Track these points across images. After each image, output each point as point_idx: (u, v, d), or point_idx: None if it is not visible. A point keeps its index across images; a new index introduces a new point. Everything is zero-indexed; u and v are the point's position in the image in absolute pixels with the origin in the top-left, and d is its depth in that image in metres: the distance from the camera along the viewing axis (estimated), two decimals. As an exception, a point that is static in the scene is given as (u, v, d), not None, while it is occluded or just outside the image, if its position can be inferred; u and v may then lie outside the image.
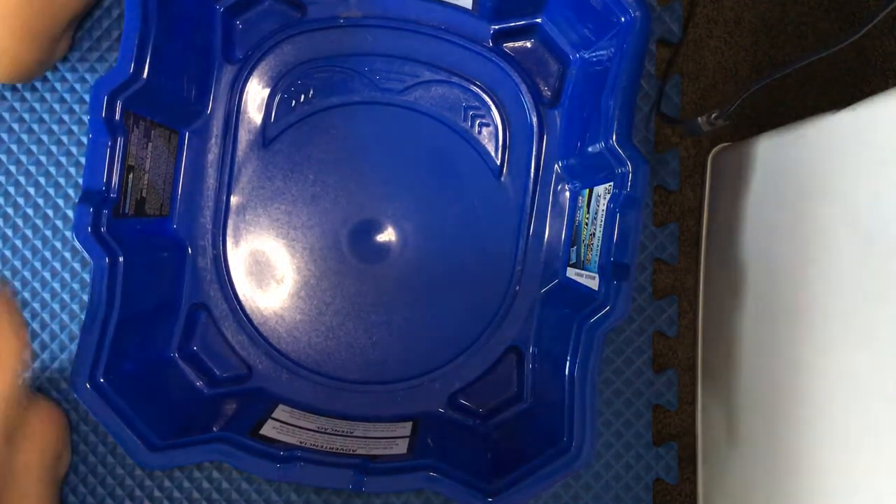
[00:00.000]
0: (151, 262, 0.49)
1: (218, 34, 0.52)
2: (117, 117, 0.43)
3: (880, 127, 0.35)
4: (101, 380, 0.44)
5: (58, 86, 0.54)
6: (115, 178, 0.44)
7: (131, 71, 0.43)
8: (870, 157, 0.36)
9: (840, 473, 0.38)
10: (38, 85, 0.54)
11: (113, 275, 0.44)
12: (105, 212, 0.44)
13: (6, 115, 0.54)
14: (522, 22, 0.51)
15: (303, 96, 0.52)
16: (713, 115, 0.45)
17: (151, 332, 0.50)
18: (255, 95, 0.52)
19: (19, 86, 0.54)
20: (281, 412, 0.50)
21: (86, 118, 0.54)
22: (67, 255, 0.55)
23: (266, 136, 0.52)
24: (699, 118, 0.46)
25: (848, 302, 0.37)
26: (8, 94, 0.54)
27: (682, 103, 0.56)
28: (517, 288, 0.53)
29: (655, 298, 0.56)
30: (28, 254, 0.54)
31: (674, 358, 0.57)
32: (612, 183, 0.45)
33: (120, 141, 0.44)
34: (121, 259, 0.45)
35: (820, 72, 0.57)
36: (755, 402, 0.48)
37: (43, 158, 0.54)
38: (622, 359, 0.55)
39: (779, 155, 0.46)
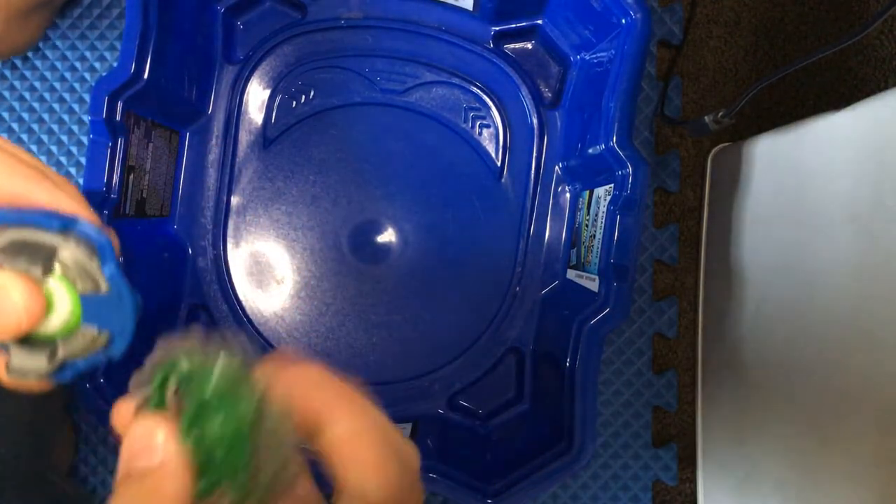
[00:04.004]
0: (152, 262, 0.49)
1: (219, 35, 0.52)
2: (118, 118, 0.43)
3: (880, 127, 0.35)
4: (102, 380, 0.44)
5: (56, 85, 0.54)
6: (115, 179, 0.44)
7: (132, 71, 0.43)
8: (870, 156, 0.36)
9: (841, 470, 0.38)
10: (38, 85, 0.54)
11: (113, 275, 0.44)
12: (105, 212, 0.44)
13: (5, 115, 0.54)
14: (523, 23, 0.51)
15: (303, 97, 0.52)
16: (720, 114, 0.46)
17: (151, 333, 0.50)
18: (256, 96, 0.52)
19: (18, 85, 0.54)
20: (281, 413, 0.50)
21: (86, 118, 0.54)
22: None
23: (267, 137, 0.52)
24: (706, 117, 0.46)
25: (848, 302, 0.37)
26: (7, 94, 0.54)
27: (683, 103, 0.56)
28: (517, 289, 0.53)
29: (655, 300, 0.56)
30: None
31: (674, 359, 0.57)
32: (612, 185, 0.45)
33: (120, 141, 0.44)
34: (121, 260, 0.45)
35: (820, 72, 0.57)
36: (756, 402, 0.48)
37: (43, 159, 0.54)
38: (622, 360, 0.55)
39: (779, 154, 0.46)
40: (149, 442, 0.19)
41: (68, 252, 0.20)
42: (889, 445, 0.34)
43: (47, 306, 0.19)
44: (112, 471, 0.55)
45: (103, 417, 0.43)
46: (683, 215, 0.57)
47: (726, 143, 0.55)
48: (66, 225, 0.19)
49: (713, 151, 0.56)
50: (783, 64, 0.56)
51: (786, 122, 0.45)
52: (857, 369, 0.36)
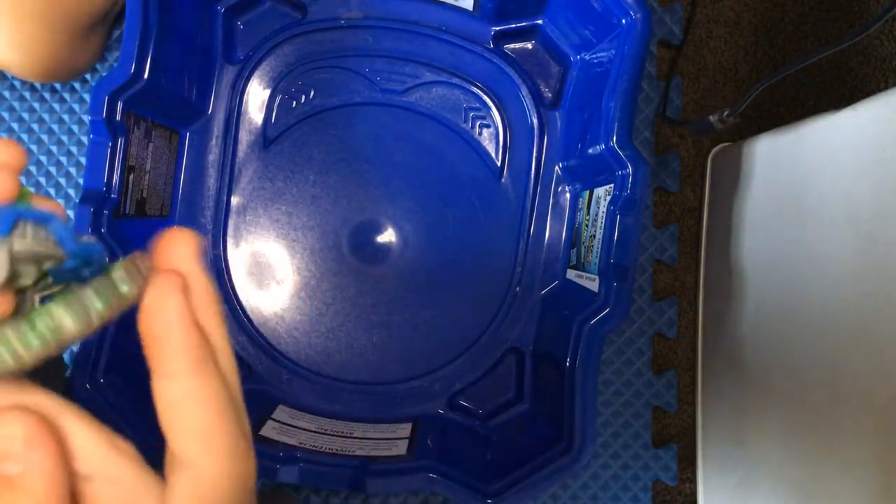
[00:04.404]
0: (152, 262, 0.49)
1: (219, 35, 0.52)
2: (118, 118, 0.43)
3: (880, 126, 0.35)
4: (101, 380, 0.44)
5: (57, 85, 0.54)
6: (115, 179, 0.44)
7: (132, 71, 0.43)
8: (870, 156, 0.36)
9: (841, 470, 0.38)
10: (38, 84, 0.54)
11: (113, 275, 0.44)
12: (105, 212, 0.44)
13: (6, 115, 0.54)
14: (523, 23, 0.51)
15: (303, 97, 0.52)
16: (725, 113, 0.46)
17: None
18: (256, 96, 0.52)
19: (17, 85, 0.54)
20: (281, 413, 0.50)
21: (86, 118, 0.54)
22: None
23: (267, 137, 0.52)
24: (711, 116, 0.46)
25: (848, 301, 0.37)
26: (7, 94, 0.54)
27: (683, 104, 0.56)
28: (517, 289, 0.53)
29: (655, 300, 0.56)
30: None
31: (674, 358, 0.57)
32: (612, 185, 0.45)
33: (120, 141, 0.44)
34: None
35: (820, 72, 0.57)
36: (756, 402, 0.47)
37: (43, 159, 0.54)
38: (622, 360, 0.55)
39: (779, 154, 0.46)
40: (10, 445, 0.18)
41: (22, 245, 0.19)
42: (889, 445, 0.34)
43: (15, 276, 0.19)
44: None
45: (104, 417, 0.43)
46: (683, 215, 0.57)
47: (726, 143, 0.55)
48: (11, 221, 0.18)
49: (713, 151, 0.56)
50: (783, 64, 0.56)
51: (786, 122, 0.45)
52: (857, 369, 0.36)
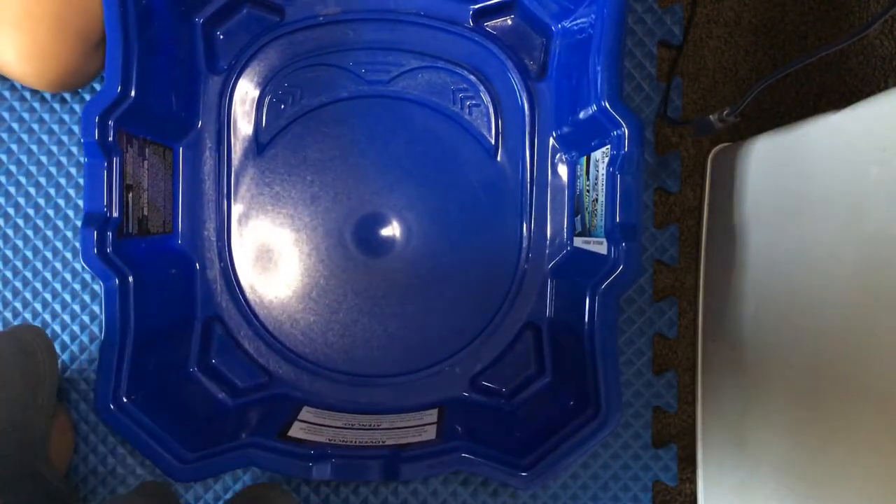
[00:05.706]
0: (161, 279, 0.49)
1: (199, 47, 0.52)
2: (110, 137, 0.43)
3: (880, 126, 0.35)
4: (125, 399, 0.44)
5: (56, 107, 0.54)
6: (115, 199, 0.44)
7: (119, 90, 0.43)
8: (870, 156, 0.36)
9: (842, 470, 0.38)
10: (37, 104, 0.54)
11: (125, 294, 0.44)
12: (109, 234, 0.44)
13: (6, 115, 0.54)
14: (500, -2, 0.51)
15: (291, 98, 0.52)
16: (725, 112, 0.46)
17: (170, 349, 0.50)
18: (244, 103, 0.52)
19: (18, 85, 0.53)
20: (306, 413, 0.50)
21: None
22: (69, 254, 0.55)
23: (259, 143, 0.52)
24: (711, 116, 0.46)
25: (848, 301, 0.37)
26: (7, 94, 0.54)
27: (683, 104, 0.56)
28: (525, 265, 0.53)
29: (655, 300, 0.56)
30: (29, 254, 0.54)
31: (674, 358, 0.57)
32: (608, 146, 0.45)
33: (116, 161, 0.44)
34: (130, 279, 0.45)
35: (820, 72, 0.57)
36: (756, 402, 0.47)
37: (44, 159, 0.54)
38: (622, 360, 0.55)
39: (778, 154, 0.46)
40: None
41: None
42: (890, 445, 0.34)
43: None
44: (112, 470, 0.54)
45: (131, 435, 0.44)
46: (683, 215, 0.56)
47: (726, 143, 0.55)
48: None
49: (713, 151, 0.55)
50: (783, 64, 0.56)
51: (786, 122, 0.45)
52: (857, 369, 0.36)
